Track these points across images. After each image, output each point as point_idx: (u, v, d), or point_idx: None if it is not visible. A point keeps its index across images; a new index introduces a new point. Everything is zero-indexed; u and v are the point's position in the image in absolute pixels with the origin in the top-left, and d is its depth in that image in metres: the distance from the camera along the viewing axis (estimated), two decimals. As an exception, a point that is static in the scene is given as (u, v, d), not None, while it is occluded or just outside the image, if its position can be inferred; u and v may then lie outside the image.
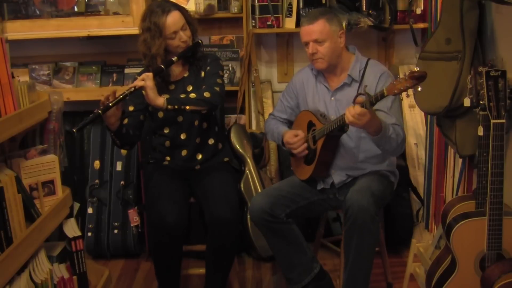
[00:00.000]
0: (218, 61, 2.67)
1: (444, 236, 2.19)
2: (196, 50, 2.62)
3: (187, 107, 2.42)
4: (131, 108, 2.58)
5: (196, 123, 2.63)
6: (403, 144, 2.38)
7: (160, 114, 2.62)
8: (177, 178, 2.65)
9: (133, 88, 2.34)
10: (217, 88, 2.52)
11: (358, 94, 2.16)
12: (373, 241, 2.33)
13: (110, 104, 2.27)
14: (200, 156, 2.69)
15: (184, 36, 2.52)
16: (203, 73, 2.62)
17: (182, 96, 2.46)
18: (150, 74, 2.36)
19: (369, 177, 2.46)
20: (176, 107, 2.39)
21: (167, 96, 2.41)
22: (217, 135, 2.75)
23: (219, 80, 2.56)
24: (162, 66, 2.45)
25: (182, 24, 2.51)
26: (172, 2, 2.57)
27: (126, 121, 2.52)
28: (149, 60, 2.52)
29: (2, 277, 1.80)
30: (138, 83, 2.34)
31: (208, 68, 2.61)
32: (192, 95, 2.46)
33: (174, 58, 2.49)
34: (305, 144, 2.51)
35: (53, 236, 2.32)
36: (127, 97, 2.35)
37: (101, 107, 2.27)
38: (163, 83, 2.56)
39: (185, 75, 2.65)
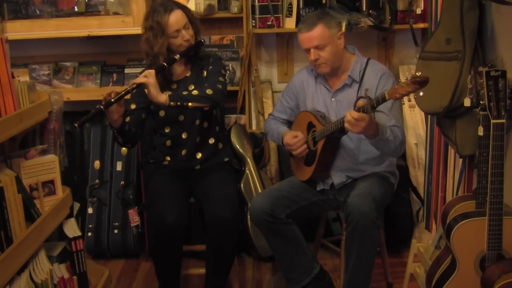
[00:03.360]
0: (220, 60, 2.68)
1: (444, 236, 2.19)
2: (199, 49, 2.63)
3: (190, 104, 2.42)
4: (133, 106, 2.59)
5: (197, 122, 2.64)
6: (402, 146, 2.37)
7: (162, 113, 2.63)
8: (177, 178, 2.65)
9: (135, 85, 2.35)
10: (220, 86, 2.53)
11: (359, 98, 2.15)
12: (374, 246, 2.33)
13: (112, 100, 2.28)
14: (199, 155, 2.69)
15: (187, 35, 2.53)
16: (205, 73, 2.63)
17: (185, 93, 2.47)
18: (153, 71, 2.37)
19: (370, 180, 2.46)
20: (178, 104, 2.39)
21: (169, 93, 2.42)
22: (217, 135, 2.75)
23: (221, 79, 2.57)
24: (165, 64, 2.46)
25: (184, 23, 2.52)
26: (175, 1, 2.58)
27: (128, 119, 2.52)
28: (152, 59, 2.53)
29: (2, 277, 1.80)
30: (140, 79, 2.35)
31: (211, 67, 2.62)
32: (195, 92, 2.46)
33: (177, 56, 2.50)
34: (305, 145, 2.51)
35: (53, 236, 2.32)
36: (129, 94, 2.36)
37: (103, 103, 2.28)
38: (165, 82, 2.57)
39: (187, 74, 2.65)
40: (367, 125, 2.12)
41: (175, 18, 2.49)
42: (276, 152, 3.34)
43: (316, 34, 2.39)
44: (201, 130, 2.67)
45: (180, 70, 2.65)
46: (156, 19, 2.49)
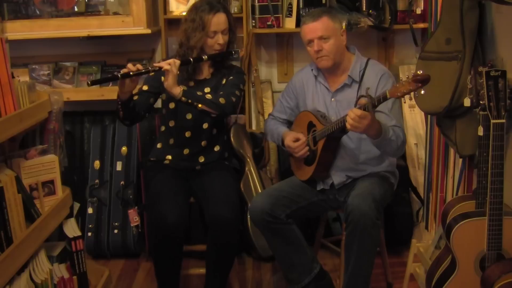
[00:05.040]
0: (242, 75, 2.71)
1: (444, 236, 2.19)
2: (227, 58, 2.66)
3: (199, 105, 2.44)
4: (145, 88, 2.62)
5: (205, 126, 2.65)
6: (404, 146, 2.38)
7: (172, 105, 2.65)
8: (177, 178, 2.65)
9: (157, 68, 2.39)
10: (233, 99, 2.55)
11: (360, 96, 2.15)
12: (374, 246, 2.33)
13: (131, 73, 2.32)
14: (202, 159, 2.70)
15: (222, 40, 2.56)
16: (224, 81, 2.65)
17: (199, 93, 2.49)
18: (178, 62, 2.40)
19: (370, 180, 2.46)
20: (189, 101, 2.42)
21: (184, 87, 2.44)
22: (224, 143, 2.77)
23: (237, 92, 2.60)
24: (191, 59, 2.50)
25: (224, 28, 2.56)
26: (223, 5, 2.63)
27: (136, 97, 2.55)
28: (185, 50, 2.57)
29: (2, 277, 1.80)
30: (165, 65, 2.37)
31: (231, 77, 2.65)
32: (208, 96, 2.49)
33: (205, 57, 2.54)
34: (307, 148, 2.51)
35: (53, 236, 2.32)
36: (149, 73, 2.42)
37: (122, 72, 2.32)
38: (186, 75, 2.61)
39: (208, 77, 2.67)
40: (369, 124, 2.12)
41: (217, 20, 2.53)
42: (276, 152, 3.34)
43: (321, 24, 2.40)
44: (209, 136, 2.68)
45: (204, 71, 2.68)
46: (200, 14, 2.53)
